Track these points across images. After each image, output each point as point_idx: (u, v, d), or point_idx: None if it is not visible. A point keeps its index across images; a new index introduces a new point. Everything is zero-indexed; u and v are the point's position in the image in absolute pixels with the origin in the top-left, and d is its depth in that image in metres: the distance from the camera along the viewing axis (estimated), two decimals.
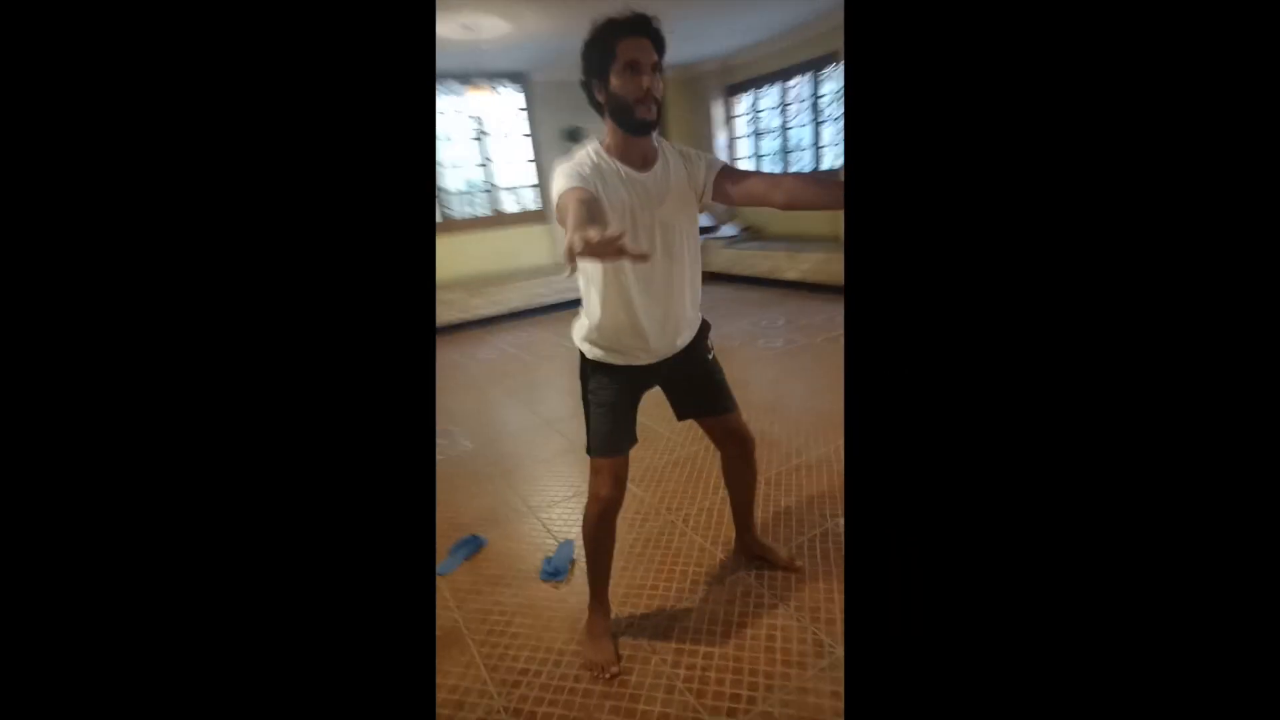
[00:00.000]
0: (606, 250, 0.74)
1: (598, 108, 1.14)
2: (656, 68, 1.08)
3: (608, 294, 1.19)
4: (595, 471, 1.30)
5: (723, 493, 1.96)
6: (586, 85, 1.14)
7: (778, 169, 5.85)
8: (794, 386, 2.90)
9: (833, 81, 5.01)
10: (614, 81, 1.08)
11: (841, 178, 1.10)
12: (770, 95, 5.73)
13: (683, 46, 4.86)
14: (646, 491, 2.06)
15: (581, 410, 1.34)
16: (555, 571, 1.68)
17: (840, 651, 1.31)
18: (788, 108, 5.55)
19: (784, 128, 5.62)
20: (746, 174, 1.20)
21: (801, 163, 5.57)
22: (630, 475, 2.14)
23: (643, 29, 1.06)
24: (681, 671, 1.30)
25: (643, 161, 1.15)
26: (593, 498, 1.31)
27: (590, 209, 0.96)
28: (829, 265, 4.62)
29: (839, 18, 4.37)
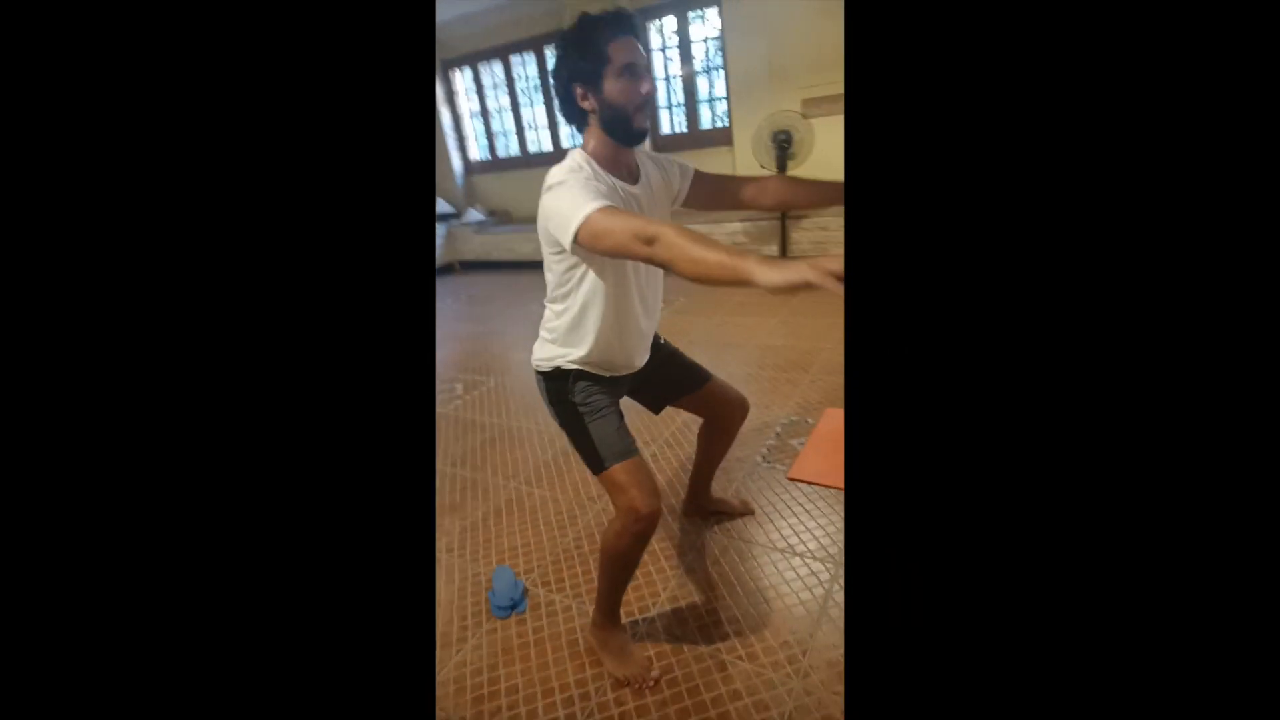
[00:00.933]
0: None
1: (578, 116, 1.00)
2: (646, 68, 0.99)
3: (609, 319, 1.08)
4: (621, 488, 1.07)
5: None
6: (564, 91, 0.98)
7: (514, 149, 5.73)
8: None
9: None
10: (610, 88, 0.96)
11: (823, 177, 1.16)
12: (493, 72, 5.53)
13: None
14: (553, 491, 1.90)
15: None
16: (511, 603, 1.43)
17: (821, 561, 1.41)
18: (514, 86, 5.44)
19: (514, 106, 5.51)
20: (723, 178, 1.19)
21: (539, 143, 5.54)
22: (530, 478, 1.95)
23: (630, 27, 0.95)
24: (721, 647, 1.25)
25: (630, 173, 1.05)
26: (630, 517, 1.06)
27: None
28: None
29: None
